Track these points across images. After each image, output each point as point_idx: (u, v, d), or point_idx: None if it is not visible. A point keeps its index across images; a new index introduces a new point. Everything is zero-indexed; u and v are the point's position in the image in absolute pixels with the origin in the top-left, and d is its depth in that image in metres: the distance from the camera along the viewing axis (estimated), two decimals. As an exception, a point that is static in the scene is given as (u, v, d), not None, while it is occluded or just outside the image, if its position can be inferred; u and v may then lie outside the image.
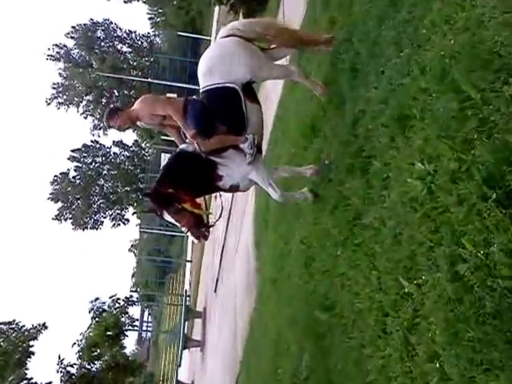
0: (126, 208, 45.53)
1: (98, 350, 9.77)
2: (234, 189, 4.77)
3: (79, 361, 9.30)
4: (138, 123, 4.79)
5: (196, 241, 4.62)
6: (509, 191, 2.20)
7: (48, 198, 43.69)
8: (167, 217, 4.37)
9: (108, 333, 10.67)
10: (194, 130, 4.36)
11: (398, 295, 3.04)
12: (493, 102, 2.36)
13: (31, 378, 7.71)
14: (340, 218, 4.29)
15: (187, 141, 4.60)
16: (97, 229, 45.67)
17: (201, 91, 4.64)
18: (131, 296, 14.83)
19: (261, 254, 8.53)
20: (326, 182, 4.77)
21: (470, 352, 2.16)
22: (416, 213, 2.90)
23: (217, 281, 14.80)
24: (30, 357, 8.04)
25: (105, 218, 46.04)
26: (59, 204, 44.10)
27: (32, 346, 8.36)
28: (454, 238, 2.45)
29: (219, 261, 14.45)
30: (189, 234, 4.48)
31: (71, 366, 8.91)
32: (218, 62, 4.46)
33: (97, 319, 10.90)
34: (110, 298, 12.15)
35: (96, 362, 9.42)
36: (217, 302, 14.83)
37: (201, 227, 4.45)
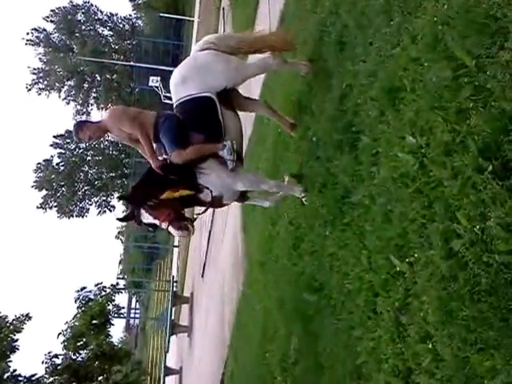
0: (112, 194, 45.04)
1: (84, 340, 9.63)
2: (217, 200, 4.46)
3: (64, 351, 9.16)
4: (109, 135, 4.68)
5: (178, 234, 4.25)
6: (506, 162, 2.09)
7: (32, 186, 43.02)
8: (145, 217, 4.10)
9: (94, 321, 10.52)
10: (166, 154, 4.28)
11: (388, 274, 2.93)
12: (488, 69, 2.22)
13: (15, 371, 7.56)
14: (328, 197, 4.17)
15: (160, 158, 4.42)
16: (83, 216, 45.15)
17: (175, 105, 4.55)
18: (117, 283, 14.71)
19: (248, 236, 8.42)
20: (313, 160, 4.63)
21: (463, 331, 2.06)
22: (407, 188, 2.78)
23: (204, 265, 14.71)
24: (14, 351, 7.84)
25: (90, 205, 45.50)
26: (43, 192, 43.42)
27: (16, 340, 8.12)
28: (447, 214, 2.33)
29: (206, 245, 14.34)
30: (170, 229, 4.17)
31: (56, 356, 8.77)
32: (192, 73, 4.46)
33: (82, 309, 10.72)
34: (96, 285, 11.99)
35: (82, 352, 9.30)
36: (204, 287, 14.75)
37: (182, 220, 4.19)
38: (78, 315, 10.46)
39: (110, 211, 45.73)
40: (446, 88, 2.47)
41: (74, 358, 8.09)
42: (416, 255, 2.62)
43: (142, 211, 4.07)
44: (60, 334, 9.63)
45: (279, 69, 4.99)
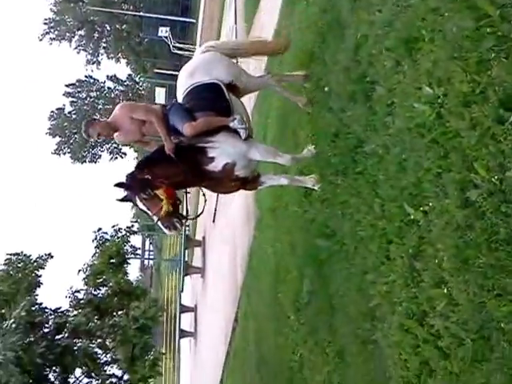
0: (122, 141, 45.11)
1: (103, 277, 10.08)
2: (229, 169, 4.33)
3: (86, 287, 9.64)
4: (116, 136, 4.64)
5: (166, 231, 4.18)
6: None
7: (46, 133, 43.59)
8: (139, 204, 4.09)
9: (111, 261, 10.95)
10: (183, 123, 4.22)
11: (402, 222, 3.02)
12: (513, 18, 2.20)
13: (41, 303, 8.06)
14: (341, 147, 4.21)
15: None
16: (95, 162, 45.65)
17: (182, 97, 4.58)
18: (132, 225, 15.05)
19: (259, 183, 8.50)
20: (325, 111, 4.63)
21: (480, 278, 2.16)
22: (423, 138, 2.81)
23: (215, 211, 14.91)
24: (38, 286, 8.39)
25: (102, 151, 45.82)
26: (57, 139, 43.97)
27: (40, 275, 8.66)
28: (464, 164, 2.38)
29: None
30: (159, 224, 4.12)
31: (78, 291, 9.27)
32: (199, 67, 4.60)
33: (100, 248, 11.14)
34: (113, 227, 12.30)
35: (101, 289, 9.76)
36: (216, 232, 15.05)
37: (172, 217, 4.09)
38: (97, 254, 10.89)
39: (122, 158, 46.05)
40: (466, 38, 2.45)
41: (95, 293, 8.61)
42: (431, 204, 2.69)
43: (137, 199, 4.05)
44: (80, 271, 10.09)
45: (278, 90, 5.20)
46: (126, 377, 8.36)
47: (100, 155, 46.24)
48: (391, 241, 3.15)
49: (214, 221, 15.28)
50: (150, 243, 43.28)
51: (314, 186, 4.76)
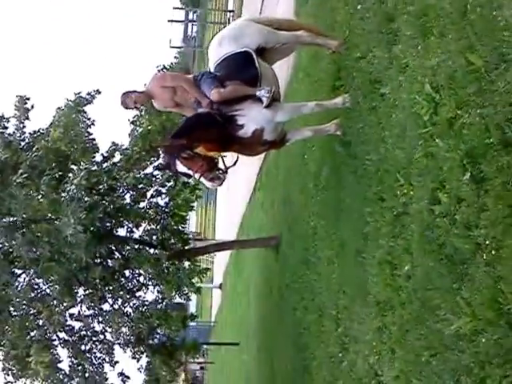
0: None
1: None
2: (258, 135, 4.54)
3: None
4: (153, 103, 4.99)
5: (209, 184, 4.45)
6: None
7: None
8: (180, 167, 4.30)
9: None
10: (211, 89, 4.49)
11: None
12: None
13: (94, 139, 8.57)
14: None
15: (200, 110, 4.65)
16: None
17: (213, 68, 4.78)
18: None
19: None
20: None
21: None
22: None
23: (260, 13, 14.66)
24: (92, 124, 8.66)
25: None
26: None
27: (90, 119, 8.67)
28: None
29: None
30: (202, 179, 4.36)
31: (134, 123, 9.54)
32: (227, 36, 4.85)
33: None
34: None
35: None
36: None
37: (214, 170, 4.35)
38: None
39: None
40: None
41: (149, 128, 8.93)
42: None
43: (178, 162, 4.28)
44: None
45: (310, 40, 5.13)
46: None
47: None
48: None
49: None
50: (194, 13, 41.93)
51: (337, 132, 4.98)
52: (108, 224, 7.90)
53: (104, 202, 7.80)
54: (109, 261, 8.10)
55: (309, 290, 6.22)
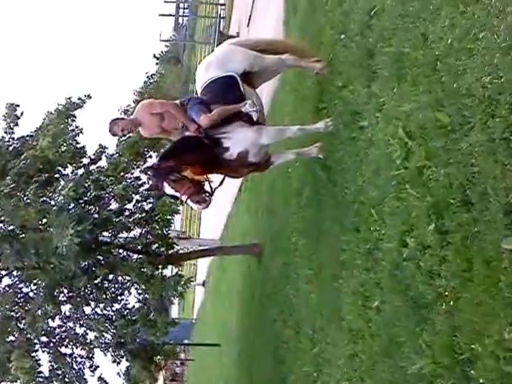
0: None
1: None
2: (242, 157, 4.69)
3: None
4: (140, 131, 5.13)
5: (196, 207, 4.60)
6: None
7: None
8: (167, 189, 4.42)
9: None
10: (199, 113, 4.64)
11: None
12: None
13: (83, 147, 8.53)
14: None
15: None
16: None
17: (199, 91, 4.98)
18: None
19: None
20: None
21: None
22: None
23: (250, 15, 14.78)
24: (80, 133, 8.57)
25: None
26: None
27: (74, 118, 8.61)
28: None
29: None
30: (189, 202, 4.47)
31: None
32: (214, 61, 5.02)
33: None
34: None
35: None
36: (250, 32, 15.09)
37: (201, 193, 4.47)
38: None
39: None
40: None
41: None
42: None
43: (165, 184, 4.40)
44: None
45: (294, 63, 5.29)
46: None
47: None
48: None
49: (248, 25, 15.23)
50: (184, 8, 41.76)
51: (319, 155, 5.13)
52: (95, 233, 7.95)
53: (92, 213, 7.89)
54: (95, 269, 8.16)
55: (288, 304, 6.39)
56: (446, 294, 2.64)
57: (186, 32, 46.99)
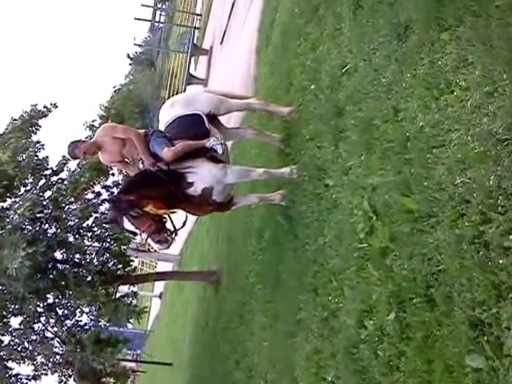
0: None
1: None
2: (207, 193, 4.56)
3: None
4: (99, 155, 4.93)
5: (156, 246, 4.40)
6: None
7: None
8: (127, 225, 4.21)
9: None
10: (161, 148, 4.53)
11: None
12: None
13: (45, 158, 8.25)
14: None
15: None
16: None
17: (164, 126, 4.85)
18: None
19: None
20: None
21: None
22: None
23: (224, 32, 14.64)
24: (36, 132, 8.23)
25: None
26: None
27: (38, 127, 8.33)
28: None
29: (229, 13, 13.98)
30: (149, 240, 4.29)
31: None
32: (180, 99, 5.06)
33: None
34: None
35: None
36: (222, 51, 14.95)
37: (162, 232, 4.27)
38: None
39: None
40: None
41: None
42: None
43: (125, 219, 4.18)
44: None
45: (262, 108, 5.45)
46: None
47: None
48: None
49: (221, 43, 15.11)
50: (161, 13, 41.49)
51: (281, 202, 5.05)
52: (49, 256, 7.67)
53: (47, 234, 7.58)
54: (46, 292, 7.85)
55: (242, 345, 6.23)
56: (404, 393, 2.54)
57: (162, 34, 46.59)
